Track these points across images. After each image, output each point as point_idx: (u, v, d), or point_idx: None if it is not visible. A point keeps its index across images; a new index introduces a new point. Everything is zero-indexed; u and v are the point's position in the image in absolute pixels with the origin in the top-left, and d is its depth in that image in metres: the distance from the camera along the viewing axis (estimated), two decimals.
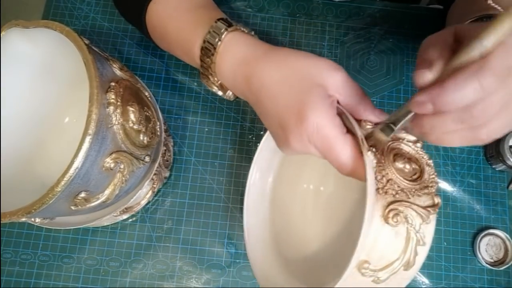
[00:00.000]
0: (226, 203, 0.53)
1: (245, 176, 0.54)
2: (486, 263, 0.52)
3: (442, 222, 0.54)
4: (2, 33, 0.35)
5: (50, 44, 0.38)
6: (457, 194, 0.55)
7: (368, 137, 0.30)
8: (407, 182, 0.29)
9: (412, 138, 0.32)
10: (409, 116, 0.28)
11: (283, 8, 0.61)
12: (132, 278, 0.51)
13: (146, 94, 0.42)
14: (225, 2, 0.61)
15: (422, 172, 0.30)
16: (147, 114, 0.39)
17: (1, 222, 0.31)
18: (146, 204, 0.52)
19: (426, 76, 0.26)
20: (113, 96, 0.34)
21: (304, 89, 0.31)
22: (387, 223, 0.27)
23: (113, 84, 0.34)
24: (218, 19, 0.37)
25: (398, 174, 0.28)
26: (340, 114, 0.31)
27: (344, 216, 0.42)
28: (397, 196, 0.28)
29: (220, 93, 0.40)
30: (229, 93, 0.40)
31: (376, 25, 0.61)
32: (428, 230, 0.29)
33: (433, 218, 0.29)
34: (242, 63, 0.35)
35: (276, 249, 0.42)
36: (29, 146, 0.44)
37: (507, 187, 0.56)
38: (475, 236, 0.54)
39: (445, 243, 0.53)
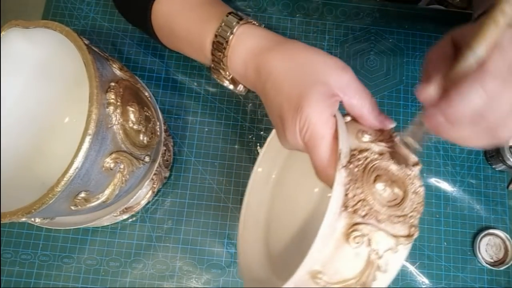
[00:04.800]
0: (226, 203, 0.53)
1: (245, 176, 0.54)
2: (486, 263, 0.52)
3: (442, 222, 0.54)
4: (2, 33, 0.35)
5: (50, 44, 0.38)
6: (457, 194, 0.55)
7: (361, 150, 0.29)
8: (382, 206, 0.27)
9: (414, 160, 0.30)
10: (424, 128, 0.27)
11: (282, 8, 0.61)
12: (132, 278, 0.51)
13: (146, 94, 0.42)
14: (225, 2, 0.61)
15: (404, 198, 0.28)
16: (147, 114, 0.39)
17: (1, 222, 0.31)
18: (146, 204, 0.52)
19: (427, 91, 0.26)
20: (113, 96, 0.34)
21: (308, 83, 0.31)
22: (348, 242, 0.26)
23: (113, 84, 0.34)
24: (229, 13, 0.38)
25: (374, 196, 0.27)
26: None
27: (314, 220, 0.40)
28: (366, 218, 0.26)
29: (231, 87, 0.41)
30: (240, 87, 0.41)
31: (376, 25, 0.61)
32: (394, 258, 0.27)
33: (403, 248, 0.28)
34: (253, 54, 0.36)
35: (266, 240, 0.41)
36: (29, 146, 0.44)
37: (507, 187, 0.56)
38: (475, 236, 0.54)
39: (445, 243, 0.53)
